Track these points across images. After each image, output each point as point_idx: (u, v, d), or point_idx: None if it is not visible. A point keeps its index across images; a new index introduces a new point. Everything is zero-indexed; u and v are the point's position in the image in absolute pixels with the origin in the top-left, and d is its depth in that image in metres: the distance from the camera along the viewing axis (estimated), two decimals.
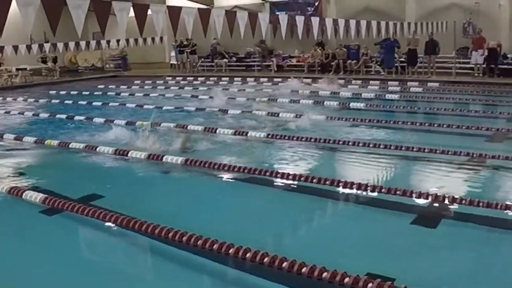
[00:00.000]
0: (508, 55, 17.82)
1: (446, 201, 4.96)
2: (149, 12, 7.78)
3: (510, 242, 4.37)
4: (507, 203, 4.78)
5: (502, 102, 12.20)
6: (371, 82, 16.95)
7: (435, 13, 19.54)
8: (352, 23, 14.15)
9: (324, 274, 3.41)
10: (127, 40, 22.31)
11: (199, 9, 8.27)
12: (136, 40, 22.27)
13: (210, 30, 9.84)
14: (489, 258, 4.03)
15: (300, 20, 11.58)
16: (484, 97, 13.45)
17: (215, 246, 3.90)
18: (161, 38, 23.13)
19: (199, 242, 3.97)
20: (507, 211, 4.69)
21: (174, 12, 7.63)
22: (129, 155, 7.30)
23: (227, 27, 9.36)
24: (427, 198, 5.05)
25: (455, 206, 4.92)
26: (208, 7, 11.56)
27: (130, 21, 8.19)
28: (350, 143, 7.75)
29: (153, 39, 22.58)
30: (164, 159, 6.91)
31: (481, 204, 4.78)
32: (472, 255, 4.13)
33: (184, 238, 4.05)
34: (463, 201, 4.89)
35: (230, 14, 9.00)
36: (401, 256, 4.13)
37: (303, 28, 11.58)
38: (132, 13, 7.77)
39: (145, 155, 7.13)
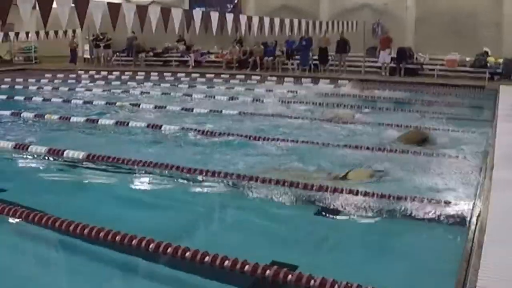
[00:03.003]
0: (414, 55, 18.88)
1: (345, 193, 5.24)
2: (55, 5, 7.51)
3: (402, 230, 4.72)
4: (399, 194, 5.13)
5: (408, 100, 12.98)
6: (286, 79, 17.41)
7: (347, 13, 20.26)
8: (267, 20, 14.39)
9: (244, 266, 3.53)
10: (37, 33, 21.32)
11: (108, 3, 8.11)
12: (47, 33, 21.32)
13: (124, 25, 9.67)
14: (383, 244, 4.33)
15: (214, 16, 11.64)
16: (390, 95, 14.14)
17: (117, 238, 3.96)
18: (74, 31, 22.32)
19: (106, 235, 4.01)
20: (398, 201, 5.03)
21: (81, 6, 7.43)
22: (29, 149, 7.07)
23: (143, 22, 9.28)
24: (326, 191, 5.31)
25: (352, 197, 5.20)
26: (120, 1, 11.27)
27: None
28: (259, 138, 7.93)
29: (65, 32, 21.70)
30: (65, 154, 6.76)
31: (375, 196, 5.13)
32: (369, 241, 4.42)
33: (92, 231, 4.06)
34: (359, 193, 5.21)
35: (142, 9, 8.90)
36: (305, 245, 4.35)
37: (217, 25, 11.64)
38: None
39: (46, 150, 6.94)
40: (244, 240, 4.46)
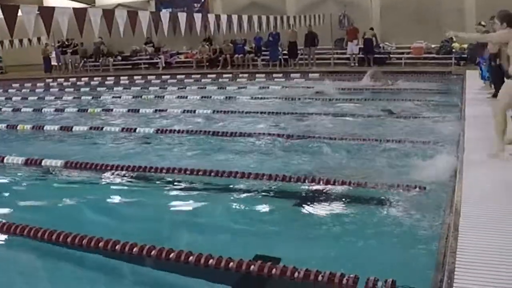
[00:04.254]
0: (381, 45, 19.14)
1: (322, 184, 5.34)
2: (20, 13, 7.41)
3: (380, 217, 4.80)
4: (375, 182, 5.24)
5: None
6: (257, 75, 17.48)
7: (313, 6, 20.42)
8: (235, 18, 14.42)
9: (229, 263, 3.57)
10: (1, 42, 20.95)
11: (74, 9, 8.02)
12: (11, 42, 20.97)
13: (90, 30, 9.59)
14: (362, 231, 4.41)
15: (182, 16, 11.62)
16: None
17: (100, 244, 3.97)
18: (39, 39, 21.97)
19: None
20: (375, 188, 5.14)
21: (47, 13, 7.34)
22: (5, 161, 6.96)
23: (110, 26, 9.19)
24: (304, 182, 5.40)
25: (330, 187, 5.30)
26: (88, 6, 11.15)
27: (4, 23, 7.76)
28: (237, 134, 7.98)
29: (29, 40, 21.35)
30: (43, 163, 6.69)
31: (351, 184, 5.25)
32: (348, 230, 4.49)
33: (75, 239, 4.06)
34: (336, 182, 5.31)
35: (108, 13, 8.83)
36: (286, 237, 4.41)
37: (185, 25, 11.64)
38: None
39: (23, 160, 6.85)
40: (225, 237, 4.50)
